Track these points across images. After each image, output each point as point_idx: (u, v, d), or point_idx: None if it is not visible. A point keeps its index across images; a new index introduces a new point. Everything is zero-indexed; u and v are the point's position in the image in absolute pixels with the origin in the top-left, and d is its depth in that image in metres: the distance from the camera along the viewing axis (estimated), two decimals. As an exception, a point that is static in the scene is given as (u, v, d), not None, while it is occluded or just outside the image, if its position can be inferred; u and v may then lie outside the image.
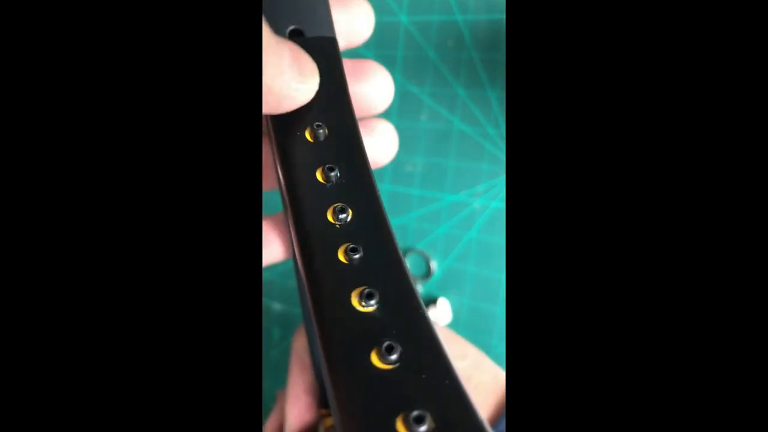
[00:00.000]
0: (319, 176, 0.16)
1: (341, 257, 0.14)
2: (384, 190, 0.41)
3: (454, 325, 0.40)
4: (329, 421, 0.23)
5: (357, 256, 0.14)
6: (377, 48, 0.39)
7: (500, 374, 0.35)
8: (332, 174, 0.16)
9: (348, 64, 0.20)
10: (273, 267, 0.45)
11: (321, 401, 0.25)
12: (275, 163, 0.17)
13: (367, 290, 0.13)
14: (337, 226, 0.15)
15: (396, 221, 0.41)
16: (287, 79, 0.15)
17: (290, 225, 0.15)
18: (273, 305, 0.47)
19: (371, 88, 0.20)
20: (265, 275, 0.46)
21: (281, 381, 0.47)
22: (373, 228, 0.15)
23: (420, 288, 0.40)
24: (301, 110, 0.17)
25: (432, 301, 0.40)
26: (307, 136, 0.17)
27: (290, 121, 0.17)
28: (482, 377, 0.33)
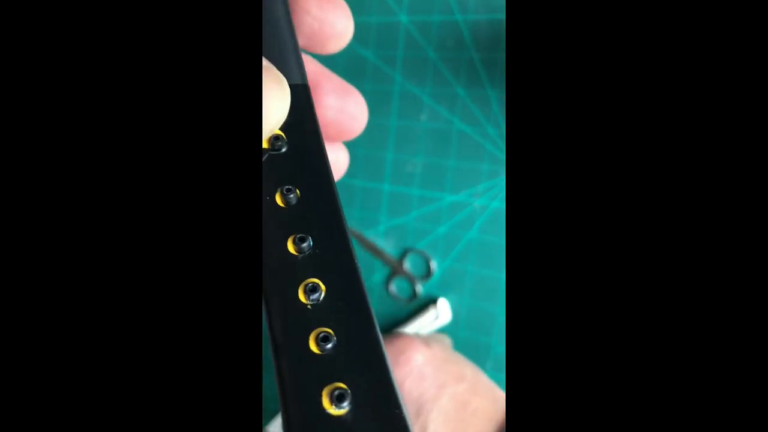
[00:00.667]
0: (290, 247, 0.14)
1: (312, 347, 0.13)
2: (384, 190, 0.41)
3: (454, 325, 0.40)
4: None
5: (329, 346, 0.13)
6: (377, 48, 0.39)
7: (498, 396, 0.34)
8: (304, 245, 0.14)
9: (336, 84, 0.19)
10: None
11: None
12: None
13: (338, 391, 0.12)
14: (309, 306, 0.13)
15: (396, 221, 0.41)
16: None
17: (263, 303, 0.14)
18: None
19: (352, 116, 0.20)
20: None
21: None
22: (347, 310, 0.14)
23: (420, 288, 0.40)
24: (272, 170, 0.16)
25: (432, 301, 0.40)
26: (278, 200, 0.15)
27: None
28: (480, 402, 0.32)
